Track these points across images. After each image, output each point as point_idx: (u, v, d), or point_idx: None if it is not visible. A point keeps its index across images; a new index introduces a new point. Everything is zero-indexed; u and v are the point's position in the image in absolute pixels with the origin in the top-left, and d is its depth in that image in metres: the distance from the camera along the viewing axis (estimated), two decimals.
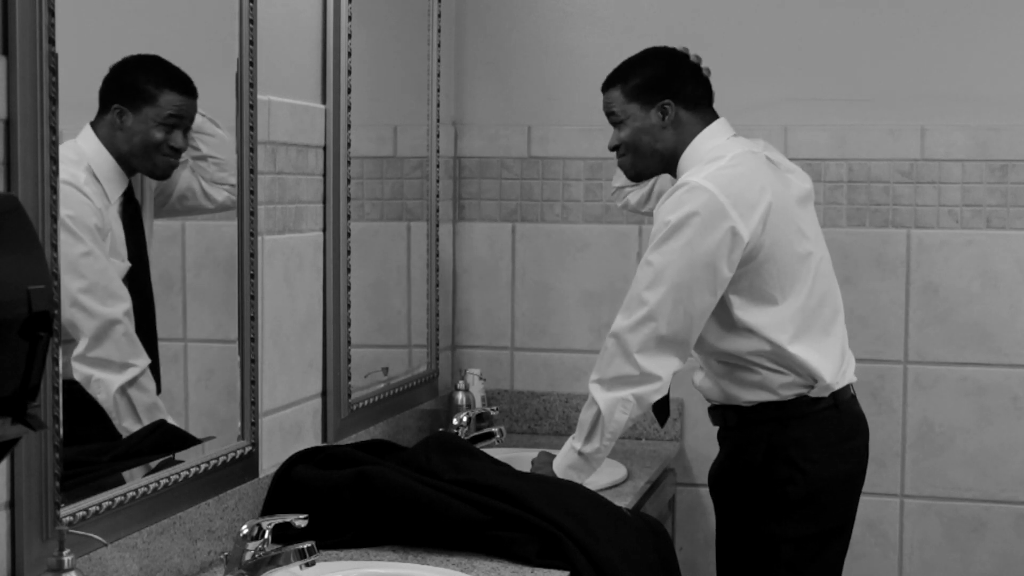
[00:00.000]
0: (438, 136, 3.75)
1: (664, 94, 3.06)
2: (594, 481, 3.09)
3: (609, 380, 2.98)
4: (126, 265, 2.36)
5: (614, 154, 3.18)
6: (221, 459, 2.53)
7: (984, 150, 3.71)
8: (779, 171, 3.09)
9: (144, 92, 2.40)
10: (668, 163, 3.10)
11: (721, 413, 3.14)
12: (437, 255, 3.77)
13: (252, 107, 2.62)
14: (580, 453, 3.03)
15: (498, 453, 3.20)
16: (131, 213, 2.41)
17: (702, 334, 3.00)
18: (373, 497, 2.65)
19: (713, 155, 3.01)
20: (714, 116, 3.11)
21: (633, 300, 2.97)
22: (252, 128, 2.63)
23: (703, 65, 3.16)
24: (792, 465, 3.01)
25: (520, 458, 3.24)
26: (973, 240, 3.74)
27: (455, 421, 3.60)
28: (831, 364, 3.03)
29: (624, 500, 3.13)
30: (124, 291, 2.34)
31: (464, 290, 4.02)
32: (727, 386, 3.08)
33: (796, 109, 3.79)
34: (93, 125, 2.29)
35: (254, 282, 2.65)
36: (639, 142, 3.09)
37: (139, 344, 2.38)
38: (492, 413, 3.74)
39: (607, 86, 3.15)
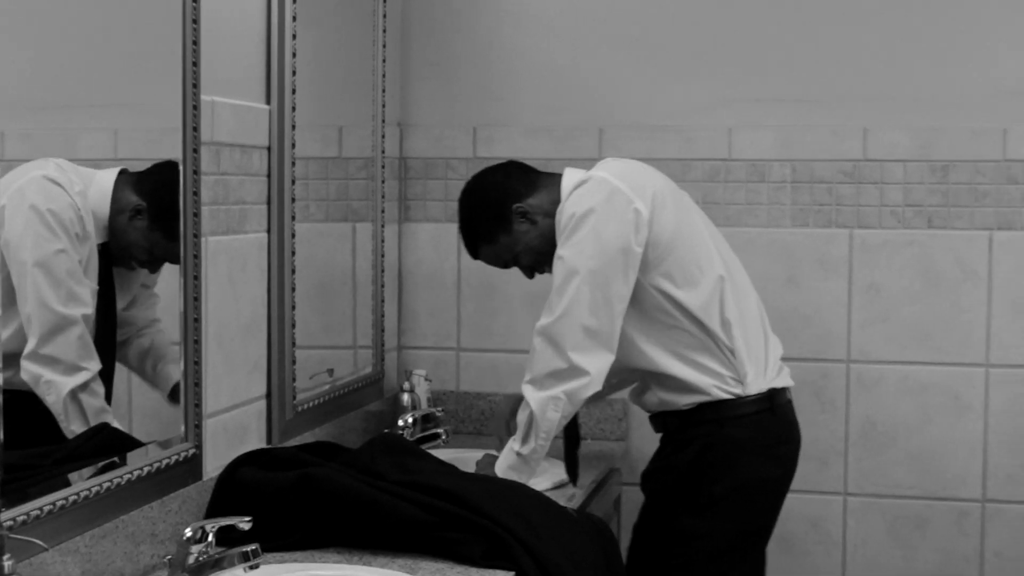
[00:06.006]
0: (383, 137, 3.74)
1: (506, 208, 3.16)
2: (540, 481, 3.11)
3: (540, 378, 3.03)
4: (94, 287, 2.32)
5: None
6: (165, 462, 2.52)
7: (926, 151, 3.74)
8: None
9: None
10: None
11: (662, 420, 3.22)
12: (383, 256, 3.76)
13: (195, 108, 2.60)
14: (518, 454, 3.08)
15: (443, 454, 3.20)
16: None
17: (629, 335, 3.06)
18: (318, 499, 2.64)
19: (582, 179, 3.09)
20: (554, 174, 3.18)
21: (553, 296, 3.04)
22: (195, 129, 2.61)
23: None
24: (723, 464, 3.08)
25: (465, 459, 3.24)
26: (915, 240, 3.77)
27: (400, 422, 3.60)
28: (756, 353, 3.13)
29: (570, 500, 3.14)
30: (89, 299, 2.31)
31: (409, 291, 4.01)
32: (662, 393, 3.15)
33: (740, 110, 3.81)
34: (119, 182, 2.28)
35: (198, 284, 2.64)
36: (536, 250, 3.18)
37: (93, 349, 2.35)
38: (437, 414, 3.74)
39: (475, 253, 3.27)
